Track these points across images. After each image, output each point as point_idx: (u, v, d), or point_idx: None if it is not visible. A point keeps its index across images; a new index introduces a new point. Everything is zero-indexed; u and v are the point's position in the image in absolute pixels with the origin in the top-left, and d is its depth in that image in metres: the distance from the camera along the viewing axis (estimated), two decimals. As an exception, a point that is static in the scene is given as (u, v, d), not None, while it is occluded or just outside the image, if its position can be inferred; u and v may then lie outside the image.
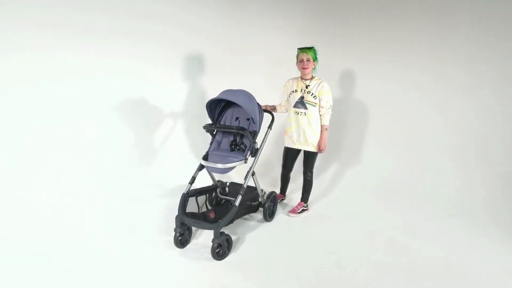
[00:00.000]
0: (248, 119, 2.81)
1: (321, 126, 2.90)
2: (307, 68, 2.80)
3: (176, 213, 2.48)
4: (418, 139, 3.77)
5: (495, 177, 3.37)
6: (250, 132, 2.61)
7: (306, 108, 2.86)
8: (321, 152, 2.95)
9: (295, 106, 2.91)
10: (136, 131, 3.43)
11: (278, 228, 2.86)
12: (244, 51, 4.17)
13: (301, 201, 3.16)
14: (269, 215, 2.93)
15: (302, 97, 2.86)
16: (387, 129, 3.94)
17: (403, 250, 2.54)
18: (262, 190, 2.90)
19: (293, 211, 3.10)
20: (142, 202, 3.11)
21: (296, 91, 2.90)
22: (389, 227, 2.91)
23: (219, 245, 2.31)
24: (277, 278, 2.17)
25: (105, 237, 2.55)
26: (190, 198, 2.63)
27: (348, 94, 4.10)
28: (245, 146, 2.76)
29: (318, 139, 2.92)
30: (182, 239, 2.45)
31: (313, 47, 2.81)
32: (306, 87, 2.85)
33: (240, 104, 2.47)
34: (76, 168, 3.07)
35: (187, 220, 2.40)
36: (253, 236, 2.69)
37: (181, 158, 3.69)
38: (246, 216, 2.96)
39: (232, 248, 2.43)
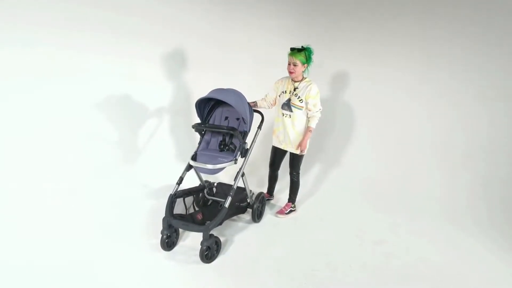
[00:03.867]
0: (237, 119, 2.76)
1: (307, 127, 2.84)
2: (293, 73, 2.72)
3: (163, 214, 2.41)
4: (404, 140, 3.82)
5: (478, 179, 3.46)
6: (240, 132, 2.56)
7: (291, 110, 2.81)
8: (301, 152, 2.85)
9: (282, 108, 2.87)
10: (120, 130, 3.31)
11: (267, 229, 2.83)
12: (231, 49, 4.10)
13: (289, 201, 3.14)
14: (257, 216, 2.89)
15: (289, 100, 2.81)
16: (374, 130, 3.98)
17: (392, 251, 2.57)
18: (250, 191, 2.85)
19: (281, 212, 3.07)
20: (126, 203, 3.00)
21: (285, 92, 2.85)
22: (378, 228, 2.94)
23: (208, 248, 2.25)
24: (268, 281, 2.14)
25: (87, 240, 2.45)
26: (178, 199, 2.56)
27: (335, 94, 4.11)
28: (235, 146, 2.70)
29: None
30: (169, 242, 2.38)
31: (306, 49, 2.69)
32: (294, 89, 2.80)
33: (231, 104, 2.41)
34: (57, 168, 2.94)
35: (175, 222, 2.33)
36: (241, 237, 2.65)
37: (166, 158, 3.60)
38: (234, 217, 2.91)
39: (220, 251, 2.38)
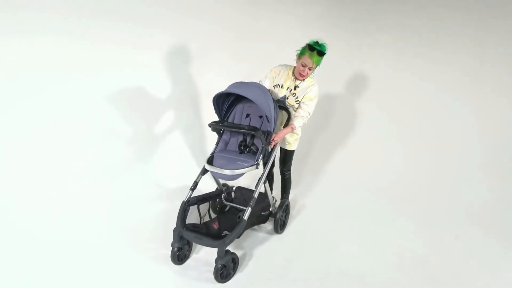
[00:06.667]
0: (260, 117, 2.42)
1: (290, 123, 2.39)
2: (305, 76, 2.36)
3: (175, 218, 2.14)
4: (450, 143, 3.38)
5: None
6: (263, 132, 2.23)
7: None
8: (272, 141, 2.30)
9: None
10: (133, 125, 3.10)
11: (290, 242, 2.51)
12: (253, 38, 3.71)
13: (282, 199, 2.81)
14: (280, 227, 2.58)
15: (285, 97, 2.46)
16: (407, 130, 3.58)
17: (436, 275, 2.20)
18: (273, 198, 2.54)
19: None
20: (138, 205, 2.77)
21: (282, 86, 2.47)
22: (417, 244, 2.55)
23: (223, 266, 1.96)
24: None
25: (94, 244, 2.26)
26: (191, 207, 2.28)
27: (362, 90, 3.72)
28: (256, 148, 2.38)
29: (293, 137, 2.57)
30: (180, 255, 2.12)
31: (325, 50, 2.28)
32: (295, 88, 2.43)
33: (253, 100, 2.08)
34: (68, 165, 2.78)
35: (187, 235, 2.06)
36: (262, 252, 2.35)
37: (182, 156, 3.34)
38: (255, 227, 2.61)
39: (238, 268, 2.10)
